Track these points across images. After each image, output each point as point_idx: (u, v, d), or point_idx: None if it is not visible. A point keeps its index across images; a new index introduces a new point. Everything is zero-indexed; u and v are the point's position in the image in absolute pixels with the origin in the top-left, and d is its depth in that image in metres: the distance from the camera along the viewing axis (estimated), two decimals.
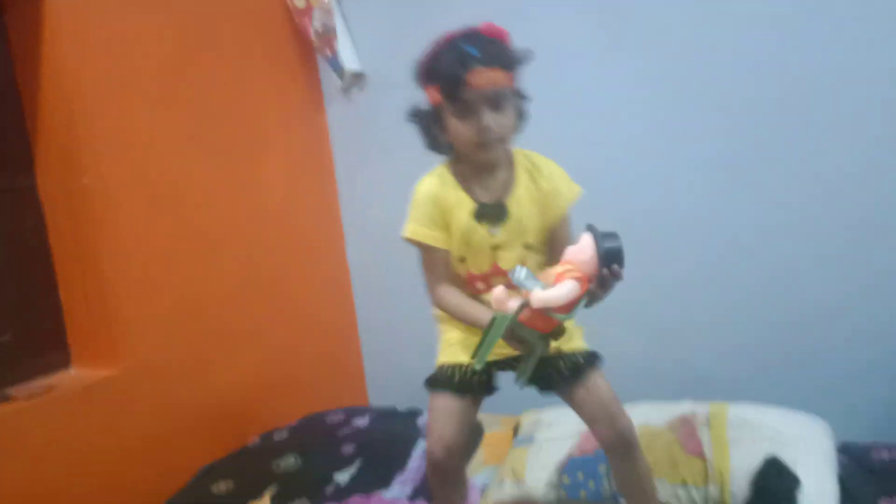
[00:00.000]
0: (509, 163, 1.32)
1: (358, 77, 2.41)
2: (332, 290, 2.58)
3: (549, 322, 1.13)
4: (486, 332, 1.16)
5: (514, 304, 1.13)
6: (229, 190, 2.15)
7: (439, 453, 1.29)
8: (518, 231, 1.30)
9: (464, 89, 1.19)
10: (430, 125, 1.29)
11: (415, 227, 1.31)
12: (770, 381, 1.97)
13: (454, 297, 1.33)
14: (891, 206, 1.83)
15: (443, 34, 1.25)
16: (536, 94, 1.33)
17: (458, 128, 1.24)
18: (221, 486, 1.85)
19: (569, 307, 1.10)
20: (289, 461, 1.95)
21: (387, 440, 2.03)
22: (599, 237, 1.11)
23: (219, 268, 2.10)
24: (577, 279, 1.10)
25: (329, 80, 2.46)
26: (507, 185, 1.31)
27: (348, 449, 2.01)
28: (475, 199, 1.29)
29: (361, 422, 2.18)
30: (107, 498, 1.74)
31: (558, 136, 2.11)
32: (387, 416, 2.22)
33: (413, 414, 2.22)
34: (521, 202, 1.30)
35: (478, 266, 1.31)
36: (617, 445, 1.27)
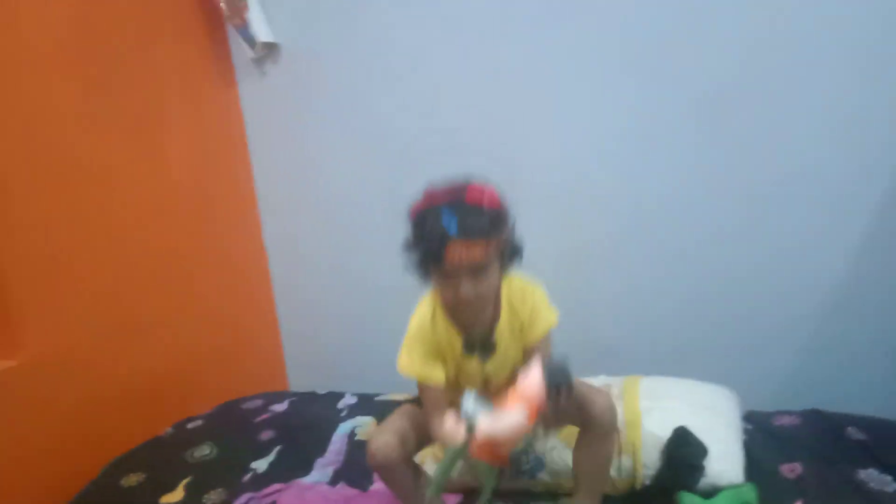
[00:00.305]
0: (496, 294, 1.33)
1: (271, 48, 2.32)
2: (248, 270, 2.50)
3: (498, 455, 1.11)
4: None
5: (462, 436, 1.12)
6: (134, 168, 2.04)
7: (374, 454, 1.33)
8: (504, 360, 1.37)
9: (442, 262, 1.20)
10: (418, 266, 1.28)
11: (409, 362, 1.33)
12: (678, 354, 2.03)
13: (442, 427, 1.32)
14: (794, 180, 1.89)
15: (432, 188, 1.23)
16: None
17: (439, 287, 1.27)
18: (132, 479, 1.79)
19: (516, 439, 1.09)
20: (203, 450, 1.89)
21: (306, 425, 2.00)
22: (547, 369, 1.11)
23: (124, 250, 1.99)
24: (525, 410, 1.08)
25: (240, 51, 2.35)
26: (494, 315, 1.35)
27: (266, 435, 1.96)
28: (463, 332, 1.34)
29: (280, 407, 2.13)
30: (10, 496, 1.65)
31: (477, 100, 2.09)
32: (306, 400, 2.18)
33: (334, 397, 2.19)
34: (504, 333, 1.35)
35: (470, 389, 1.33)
36: (595, 433, 1.35)
